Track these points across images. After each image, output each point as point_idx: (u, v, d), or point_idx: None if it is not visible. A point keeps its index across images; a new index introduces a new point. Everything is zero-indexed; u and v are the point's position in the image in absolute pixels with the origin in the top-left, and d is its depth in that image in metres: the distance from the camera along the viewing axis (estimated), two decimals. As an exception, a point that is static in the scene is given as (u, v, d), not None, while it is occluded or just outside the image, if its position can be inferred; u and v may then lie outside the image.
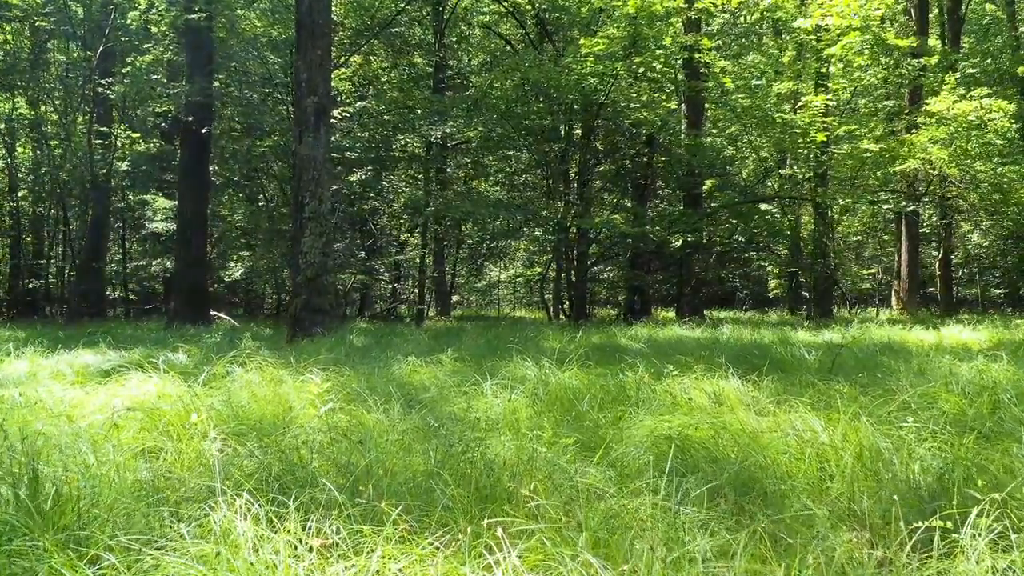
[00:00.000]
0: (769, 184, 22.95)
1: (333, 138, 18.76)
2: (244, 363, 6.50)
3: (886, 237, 31.14)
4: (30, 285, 26.96)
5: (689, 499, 3.14)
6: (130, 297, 27.61)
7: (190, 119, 17.72)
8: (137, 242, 29.38)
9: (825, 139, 16.39)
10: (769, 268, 30.60)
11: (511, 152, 22.31)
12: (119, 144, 24.91)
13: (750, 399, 5.26)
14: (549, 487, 3.21)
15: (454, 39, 24.12)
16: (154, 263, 24.01)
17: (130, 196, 26.92)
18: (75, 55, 24.30)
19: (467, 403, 5.08)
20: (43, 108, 25.38)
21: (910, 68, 17.55)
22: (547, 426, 4.22)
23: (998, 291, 30.87)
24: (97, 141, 22.48)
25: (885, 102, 22.71)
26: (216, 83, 21.45)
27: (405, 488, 3.18)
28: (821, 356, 8.52)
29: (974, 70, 22.34)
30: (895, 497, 3.25)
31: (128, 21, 22.05)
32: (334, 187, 20.80)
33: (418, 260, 23.27)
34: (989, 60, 24.72)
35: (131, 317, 24.87)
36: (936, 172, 18.56)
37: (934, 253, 27.74)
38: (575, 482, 3.30)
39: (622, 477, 3.55)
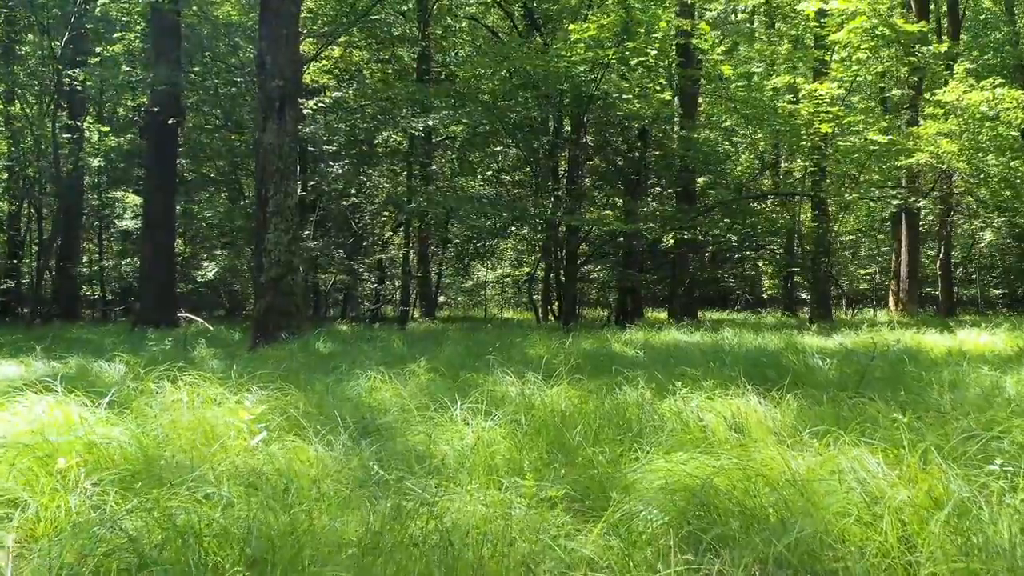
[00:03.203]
0: (766, 180, 22.12)
1: (309, 129, 17.79)
2: (176, 378, 5.52)
3: (881, 236, 30.44)
4: (2, 286, 25.82)
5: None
6: (108, 297, 26.54)
7: (155, 109, 16.68)
8: (115, 241, 28.33)
9: (830, 130, 15.52)
10: (762, 266, 29.81)
11: (498, 148, 21.39)
12: (93, 139, 23.82)
13: (777, 425, 4.34)
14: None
15: (439, 31, 23.19)
16: (124, 262, 22.94)
17: (107, 194, 25.86)
18: (46, 46, 23.22)
19: (432, 433, 4.13)
20: (17, 104, 24.27)
21: (920, 56, 16.70)
22: (529, 469, 3.29)
23: (997, 291, 30.20)
24: (65, 135, 21.37)
25: (893, 91, 21.85)
26: (192, 75, 20.40)
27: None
28: (839, 365, 7.64)
29: (972, 65, 21.63)
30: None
31: (96, 9, 20.99)
32: (311, 183, 19.83)
33: (401, 259, 22.32)
34: (989, 54, 24.00)
35: (109, 318, 23.84)
36: (945, 167, 17.73)
37: (930, 252, 27.01)
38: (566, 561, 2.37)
39: (629, 548, 2.62)
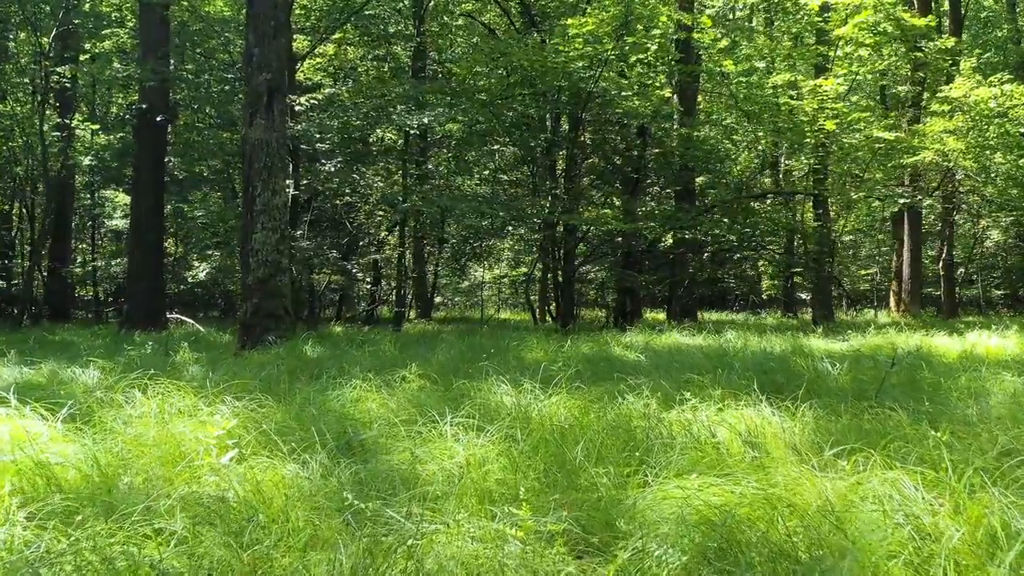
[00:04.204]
0: (767, 179, 21.76)
1: (302, 126, 17.39)
2: (148, 387, 5.16)
3: (881, 236, 30.12)
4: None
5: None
6: (101, 298, 26.14)
7: (144, 107, 16.28)
8: (108, 240, 27.95)
9: (834, 127, 15.15)
10: (762, 267, 29.46)
11: (495, 146, 21.01)
12: (85, 137, 23.41)
13: (796, 440, 3.99)
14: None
15: (435, 28, 22.82)
16: (114, 262, 22.53)
17: (99, 193, 25.46)
18: (35, 42, 22.81)
19: (419, 451, 3.76)
20: (8, 102, 23.84)
21: (926, 51, 16.34)
22: (526, 494, 2.93)
23: (998, 292, 29.91)
24: (55, 133, 20.96)
25: (898, 88, 21.50)
26: (184, 72, 19.98)
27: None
28: (851, 370, 7.29)
29: (975, 63, 21.31)
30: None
31: (85, 4, 20.61)
32: (304, 181, 19.42)
33: (396, 259, 21.95)
34: (991, 52, 23.66)
35: (102, 319, 23.44)
36: (951, 165, 17.36)
37: (930, 252, 26.70)
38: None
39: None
